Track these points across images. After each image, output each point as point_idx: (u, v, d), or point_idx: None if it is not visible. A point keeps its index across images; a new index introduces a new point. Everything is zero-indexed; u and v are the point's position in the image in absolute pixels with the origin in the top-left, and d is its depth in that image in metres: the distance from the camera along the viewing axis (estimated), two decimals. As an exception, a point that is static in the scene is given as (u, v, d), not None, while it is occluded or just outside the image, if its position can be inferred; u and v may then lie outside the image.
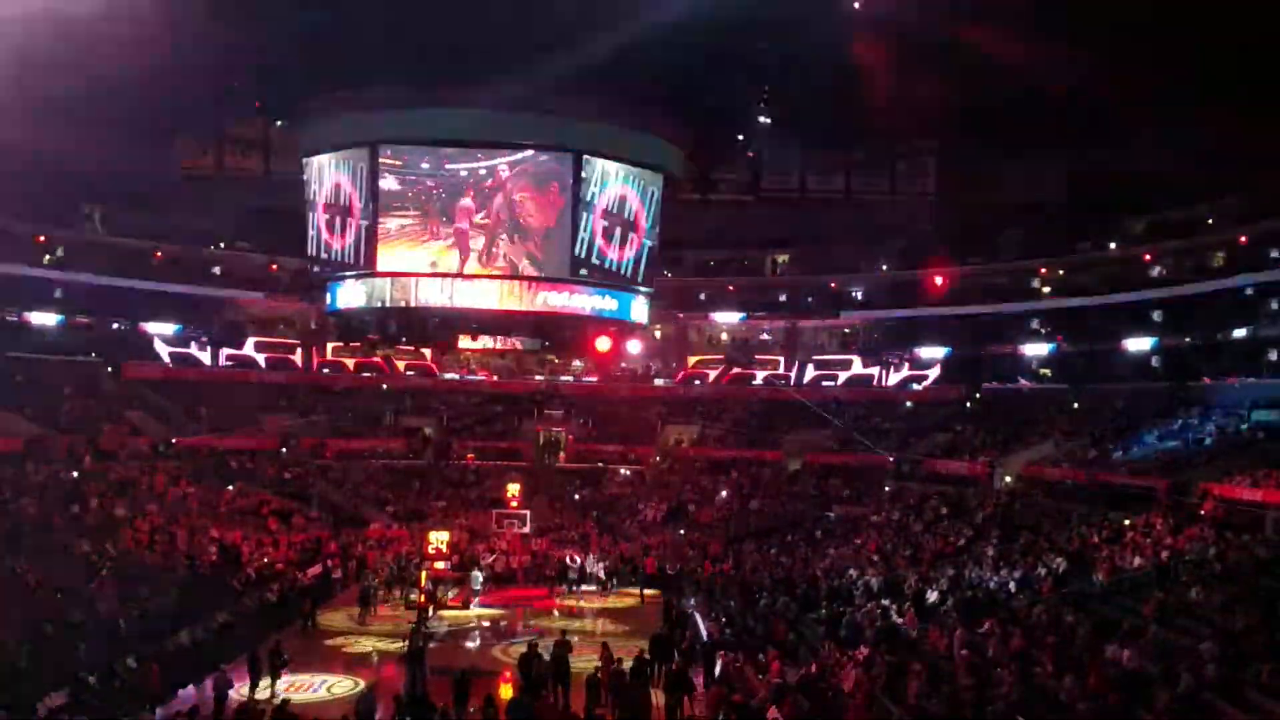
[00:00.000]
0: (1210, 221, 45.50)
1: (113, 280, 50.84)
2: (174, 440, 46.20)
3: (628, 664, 21.93)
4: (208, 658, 25.51)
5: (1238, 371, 42.26)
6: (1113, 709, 18.16)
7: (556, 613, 33.64)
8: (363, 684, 23.32)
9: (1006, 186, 54.22)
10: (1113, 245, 48.64)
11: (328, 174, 32.86)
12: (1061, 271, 51.09)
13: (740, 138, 49.77)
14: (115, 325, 51.95)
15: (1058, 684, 20.09)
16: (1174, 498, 32.70)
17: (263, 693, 22.50)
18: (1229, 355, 43.67)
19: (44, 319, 49.45)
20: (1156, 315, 47.27)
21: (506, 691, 22.18)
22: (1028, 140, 50.13)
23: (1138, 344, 47.30)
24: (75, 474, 38.88)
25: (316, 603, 31.69)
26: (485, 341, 39.90)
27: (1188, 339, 45.39)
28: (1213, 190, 45.66)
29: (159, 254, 53.47)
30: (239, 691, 22.55)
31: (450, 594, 33.54)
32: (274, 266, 55.45)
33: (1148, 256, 47.53)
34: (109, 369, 51.49)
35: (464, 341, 41.16)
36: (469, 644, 28.81)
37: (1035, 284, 51.81)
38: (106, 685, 21.20)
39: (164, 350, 53.07)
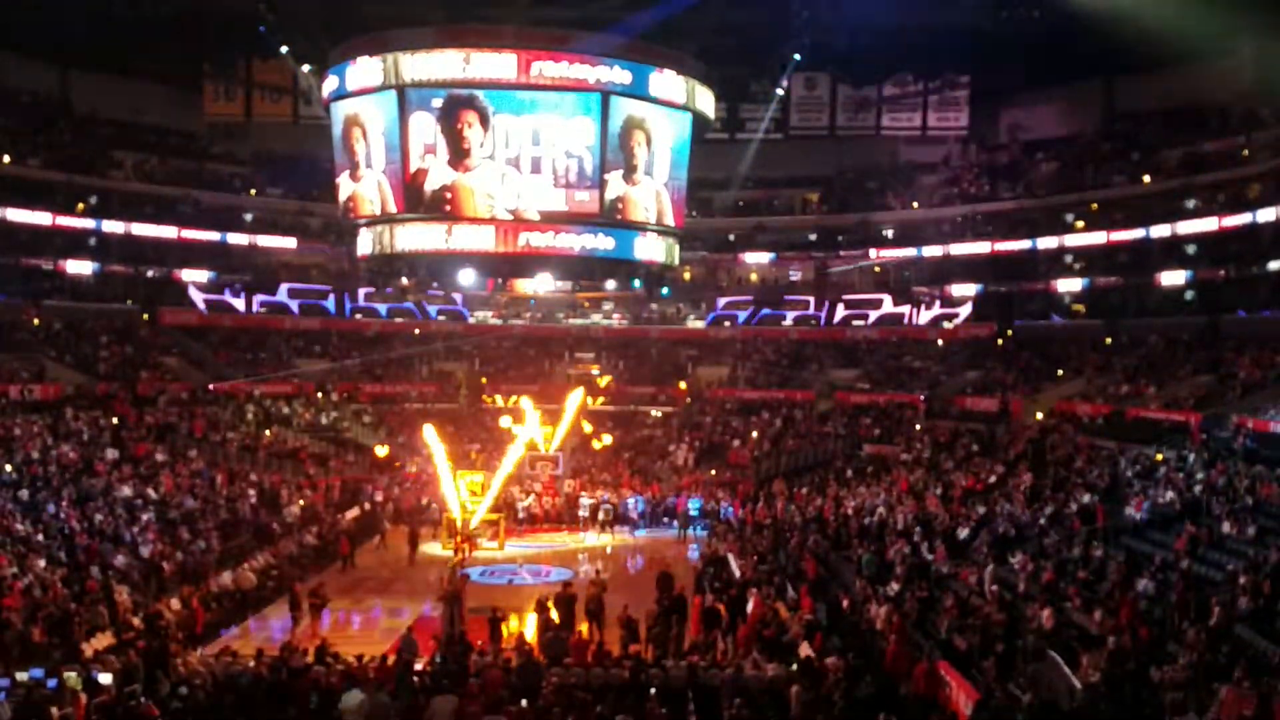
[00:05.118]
0: (1246, 154, 44.80)
1: (146, 228, 51.17)
2: (210, 386, 46.71)
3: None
4: (249, 600, 26.17)
5: (1273, 305, 41.82)
6: (1143, 642, 18.30)
7: (590, 553, 34.08)
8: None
9: (1040, 120, 53.63)
10: (1147, 179, 48.00)
11: (354, 118, 32.78)
12: (1095, 206, 50.51)
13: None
14: (150, 273, 52.37)
15: (1088, 618, 20.26)
16: (1207, 432, 32.60)
17: (303, 633, 22.95)
18: (1264, 289, 43.20)
19: (79, 268, 49.85)
20: (1191, 249, 46.71)
21: (539, 629, 22.50)
22: (1062, 72, 49.47)
23: (1172, 278, 46.79)
24: (115, 420, 39.41)
25: (355, 544, 32.25)
26: (538, 284, 39.82)
27: (1222, 273, 44.89)
28: (1248, 122, 44.94)
29: (190, 201, 53.70)
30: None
31: (486, 535, 34.00)
32: (305, 212, 55.69)
33: (1182, 189, 46.88)
34: (145, 316, 51.99)
35: (520, 284, 41.19)
36: (505, 584, 29.20)
37: (1069, 219, 51.24)
38: (151, 627, 21.65)
39: (199, 297, 53.45)
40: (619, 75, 31.25)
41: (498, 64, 30.55)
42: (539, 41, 31.25)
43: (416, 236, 32.56)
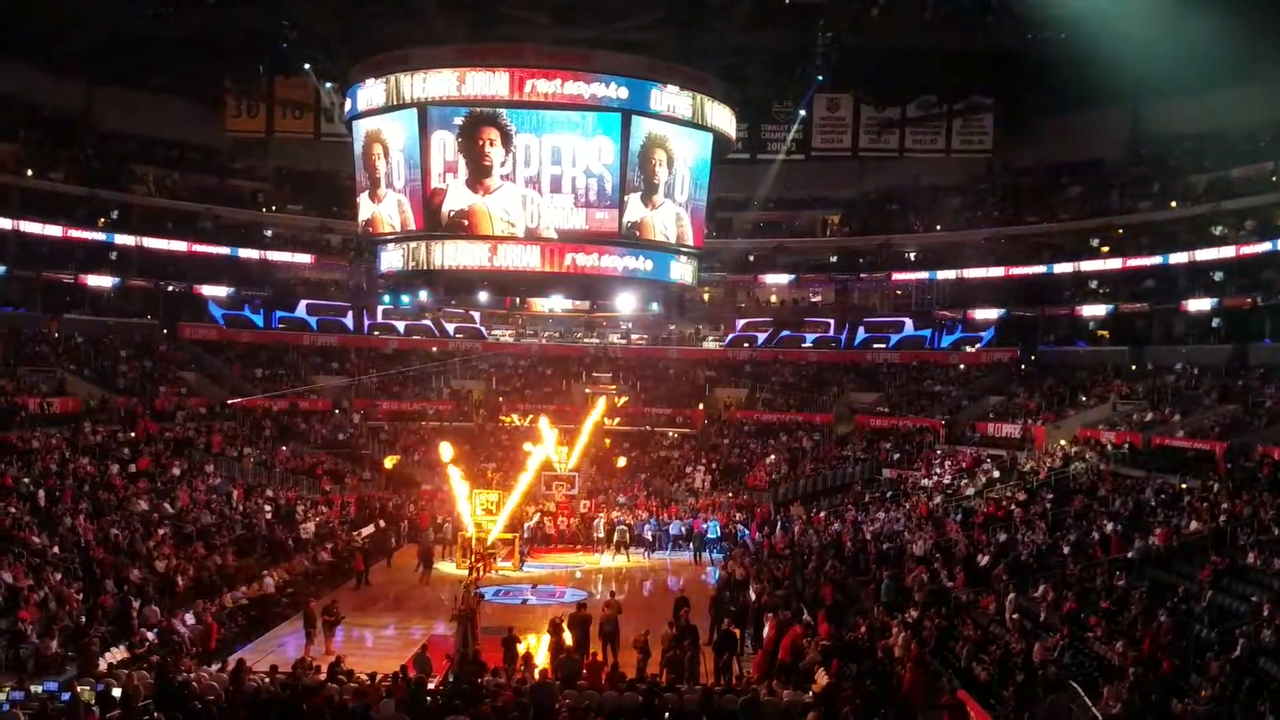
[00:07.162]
0: (1275, 179, 44.38)
1: (166, 243, 51.41)
2: (229, 401, 46.74)
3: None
4: (263, 616, 26.04)
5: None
6: (1166, 674, 18.00)
7: (605, 574, 33.86)
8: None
9: (1065, 143, 53.30)
10: (1173, 204, 47.63)
11: (375, 136, 32.90)
12: (1121, 231, 50.18)
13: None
14: (170, 288, 52.56)
15: (1109, 648, 19.94)
16: (1232, 461, 32.16)
17: (317, 650, 22.78)
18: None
19: (100, 282, 50.09)
20: (1218, 275, 46.28)
21: (553, 650, 22.28)
22: (1088, 95, 49.14)
23: (1198, 305, 46.35)
24: (132, 434, 39.42)
25: (370, 562, 32.12)
26: (556, 303, 39.96)
27: (1249, 300, 44.47)
28: (1277, 147, 44.56)
29: (211, 216, 53.92)
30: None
31: (501, 554, 33.76)
32: (325, 229, 55.85)
33: (1209, 215, 46.45)
34: (164, 331, 52.19)
35: (539, 304, 41.32)
36: (519, 604, 28.98)
37: (1094, 243, 50.85)
38: (165, 642, 21.57)
39: (218, 312, 53.70)
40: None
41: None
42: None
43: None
